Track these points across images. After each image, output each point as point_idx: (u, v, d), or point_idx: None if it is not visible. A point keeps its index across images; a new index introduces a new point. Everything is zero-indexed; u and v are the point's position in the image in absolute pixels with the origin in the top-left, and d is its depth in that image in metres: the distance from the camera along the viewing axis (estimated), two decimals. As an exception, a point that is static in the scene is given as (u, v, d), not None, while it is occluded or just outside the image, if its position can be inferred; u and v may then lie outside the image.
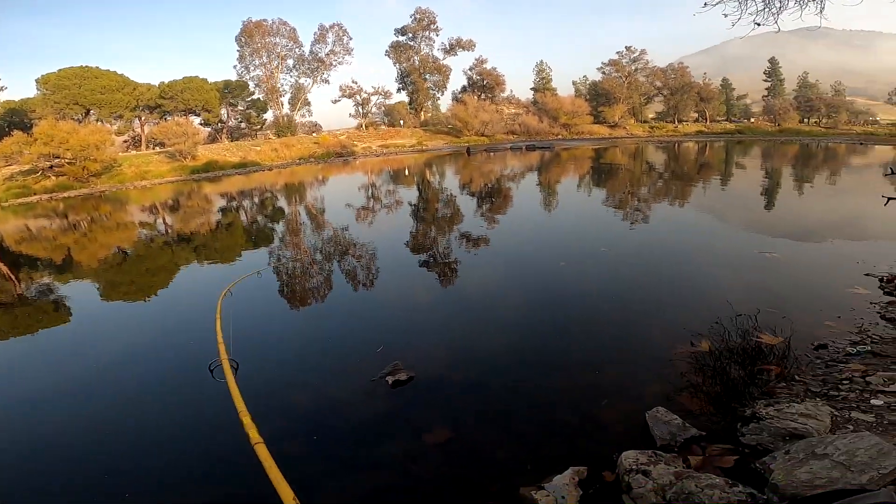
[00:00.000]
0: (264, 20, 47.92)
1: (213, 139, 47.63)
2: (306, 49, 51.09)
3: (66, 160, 26.95)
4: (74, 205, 22.72)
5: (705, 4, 7.98)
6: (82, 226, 16.59)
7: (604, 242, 9.77)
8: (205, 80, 44.49)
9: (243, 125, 52.12)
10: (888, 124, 56.32)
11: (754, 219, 11.68)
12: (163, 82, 43.03)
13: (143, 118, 43.66)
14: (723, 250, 8.89)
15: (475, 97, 54.25)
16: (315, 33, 51.32)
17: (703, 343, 4.86)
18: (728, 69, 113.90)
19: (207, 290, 7.63)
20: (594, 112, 58.12)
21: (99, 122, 38.02)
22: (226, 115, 49.96)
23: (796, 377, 4.13)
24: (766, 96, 65.02)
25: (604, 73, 60.25)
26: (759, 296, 6.10)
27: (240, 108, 50.95)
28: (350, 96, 54.23)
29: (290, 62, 51.14)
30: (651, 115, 66.14)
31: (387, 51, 56.36)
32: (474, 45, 56.06)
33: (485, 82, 57.27)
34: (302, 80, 52.29)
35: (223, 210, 18.33)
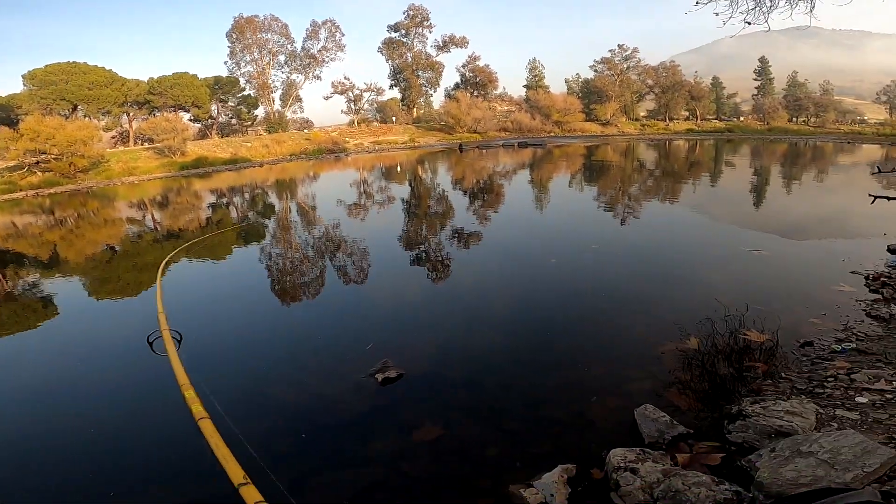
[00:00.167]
0: (256, 16, 47.72)
1: (203, 135, 47.23)
2: (298, 45, 50.88)
3: (53, 156, 26.60)
4: (61, 201, 22.43)
5: (697, 3, 8.03)
6: (69, 222, 16.37)
7: (594, 240, 9.81)
8: (195, 76, 44.06)
9: (234, 121, 51.72)
10: (875, 123, 57.04)
11: (743, 216, 11.79)
12: (152, 78, 42.58)
13: (131, 114, 43.16)
14: (712, 248, 8.96)
15: (468, 94, 54.27)
16: (307, 29, 51.15)
17: (692, 340, 4.89)
18: (718, 68, 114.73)
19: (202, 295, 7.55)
20: (586, 110, 58.32)
21: (86, 118, 37.56)
22: (216, 111, 49.52)
23: (782, 374, 4.17)
24: (756, 95, 65.61)
25: (596, 70, 60.53)
26: (747, 293, 6.15)
27: (230, 104, 50.53)
28: (342, 93, 54.04)
29: (282, 58, 50.92)
30: (642, 113, 66.47)
31: (379, 47, 56.17)
32: (467, 43, 56.11)
33: (478, 79, 57.26)
34: (293, 77, 52.08)
35: (213, 206, 18.18)
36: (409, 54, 55.62)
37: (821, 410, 3.38)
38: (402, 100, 58.47)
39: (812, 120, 57.70)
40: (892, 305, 5.53)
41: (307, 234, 12.22)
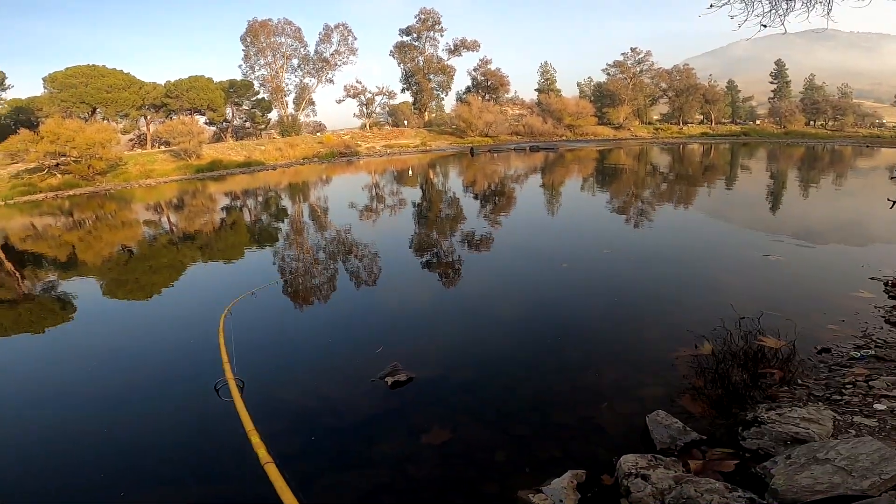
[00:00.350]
0: (269, 20, 48.10)
1: (217, 138, 47.79)
2: (311, 49, 51.25)
3: (72, 158, 27.10)
4: (80, 203, 22.85)
5: (711, 6, 7.95)
6: (87, 223, 16.68)
7: (607, 244, 9.73)
8: (210, 80, 44.65)
9: (248, 124, 52.30)
10: (894, 127, 55.96)
11: (759, 221, 11.61)
12: (168, 81, 43.21)
13: (148, 117, 43.84)
14: (726, 253, 8.85)
15: (479, 98, 54.25)
16: (320, 33, 51.51)
17: (705, 346, 4.82)
18: (734, 71, 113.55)
19: (213, 294, 7.63)
20: (598, 113, 58.00)
21: (105, 121, 38.21)
22: (231, 115, 50.14)
23: (799, 381, 4.10)
24: (772, 98, 64.73)
25: (609, 74, 60.16)
26: (763, 299, 6.06)
27: (245, 107, 51.13)
28: (354, 96, 54.35)
29: (295, 62, 51.29)
30: (656, 117, 65.96)
31: (391, 51, 56.45)
32: (479, 46, 56.11)
33: (489, 83, 57.26)
34: (306, 80, 52.41)
35: (227, 209, 18.39)
36: (420, 58, 55.83)
37: (838, 417, 3.32)
38: (414, 103, 58.67)
39: (830, 123, 56.75)
40: (913, 312, 5.40)
41: (319, 237, 12.30)
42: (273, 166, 36.77)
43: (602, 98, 59.65)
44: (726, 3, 7.71)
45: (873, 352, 4.49)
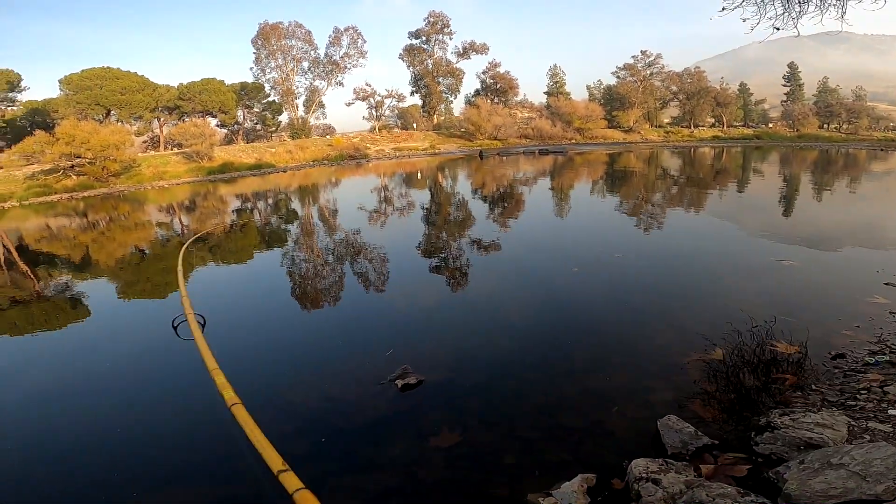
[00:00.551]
0: (280, 23, 48.59)
1: (229, 140, 48.33)
2: (321, 52, 51.68)
3: (87, 160, 27.53)
4: (94, 204, 23.18)
5: (723, 8, 7.89)
6: (101, 224, 16.91)
7: (617, 248, 9.68)
8: (222, 82, 45.20)
9: (259, 127, 52.83)
10: (910, 130, 55.17)
11: (771, 225, 11.49)
12: (181, 84, 43.82)
13: (161, 119, 44.46)
14: (738, 257, 8.77)
15: (488, 101, 54.35)
16: (330, 36, 51.95)
17: (717, 351, 4.79)
18: (745, 74, 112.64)
19: (225, 297, 7.69)
20: (608, 116, 57.82)
21: (119, 123, 38.79)
22: (242, 117, 50.67)
23: (812, 386, 4.06)
24: (785, 101, 64.13)
25: (618, 77, 59.97)
26: (775, 304, 6.00)
27: (255, 109, 51.66)
28: (364, 99, 54.72)
29: (306, 65, 51.78)
30: (666, 120, 65.58)
31: (400, 54, 56.77)
32: (488, 49, 56.22)
33: (498, 86, 57.36)
34: (317, 83, 52.88)
35: (238, 211, 18.56)
36: (429, 61, 56.07)
37: (853, 423, 3.28)
38: (423, 106, 58.90)
39: (844, 127, 56.06)
40: (929, 318, 5.33)
41: (328, 240, 12.37)
42: (283, 169, 37.05)
43: (612, 101, 59.47)
44: (738, 6, 7.66)
45: (888, 357, 4.43)
